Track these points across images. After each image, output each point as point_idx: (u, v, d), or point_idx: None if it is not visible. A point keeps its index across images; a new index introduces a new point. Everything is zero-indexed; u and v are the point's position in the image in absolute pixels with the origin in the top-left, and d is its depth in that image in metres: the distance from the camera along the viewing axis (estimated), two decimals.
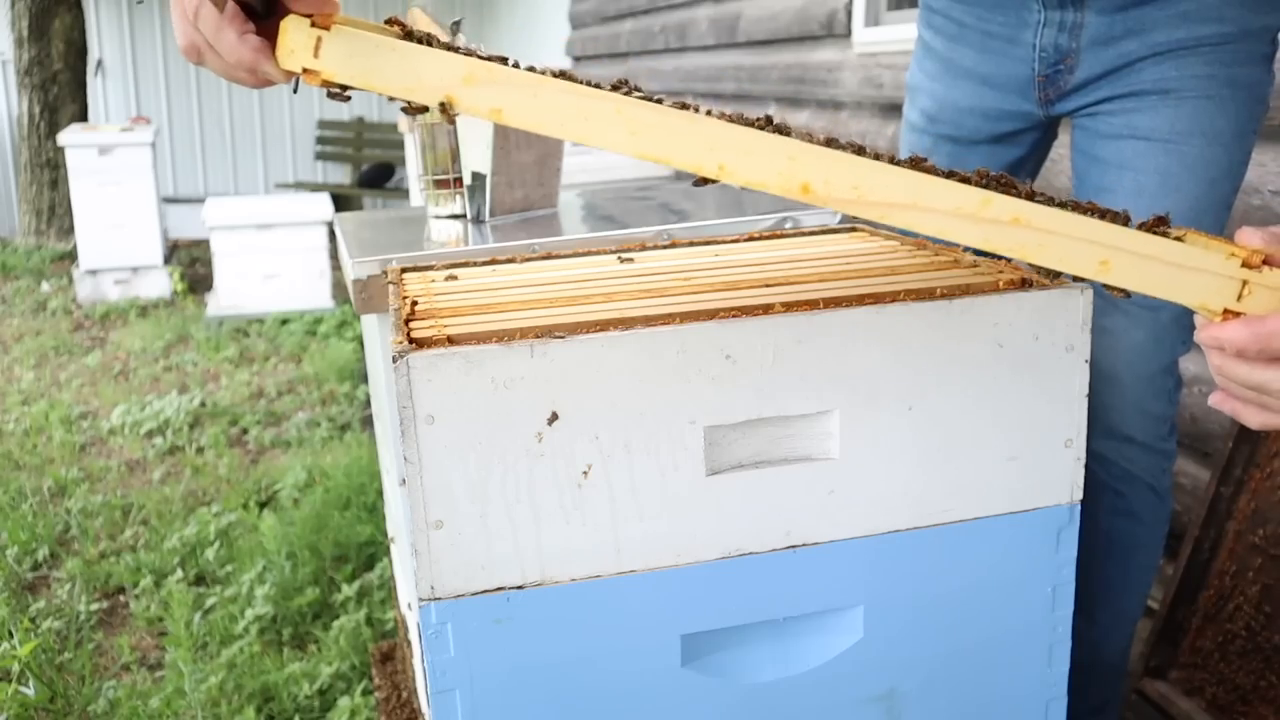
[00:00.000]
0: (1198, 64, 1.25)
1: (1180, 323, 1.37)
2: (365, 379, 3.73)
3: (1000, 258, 1.23)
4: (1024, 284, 1.02)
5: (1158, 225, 0.92)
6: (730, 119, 0.91)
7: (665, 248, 1.29)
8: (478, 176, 1.52)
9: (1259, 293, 0.66)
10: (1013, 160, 1.47)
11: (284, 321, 5.08)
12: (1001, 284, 1.02)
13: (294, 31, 0.71)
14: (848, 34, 3.62)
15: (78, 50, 7.36)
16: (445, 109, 0.72)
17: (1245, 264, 0.66)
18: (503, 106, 0.69)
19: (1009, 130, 1.44)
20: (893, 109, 3.35)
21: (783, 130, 0.94)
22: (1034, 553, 1.05)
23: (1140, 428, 1.41)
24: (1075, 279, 0.90)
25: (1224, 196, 1.31)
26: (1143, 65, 1.28)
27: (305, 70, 0.71)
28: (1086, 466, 1.06)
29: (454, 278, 1.13)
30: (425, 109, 0.75)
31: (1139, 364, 1.37)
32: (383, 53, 0.70)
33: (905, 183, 0.68)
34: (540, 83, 0.69)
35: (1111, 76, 1.30)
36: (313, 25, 0.70)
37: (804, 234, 1.35)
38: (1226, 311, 0.67)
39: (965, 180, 0.92)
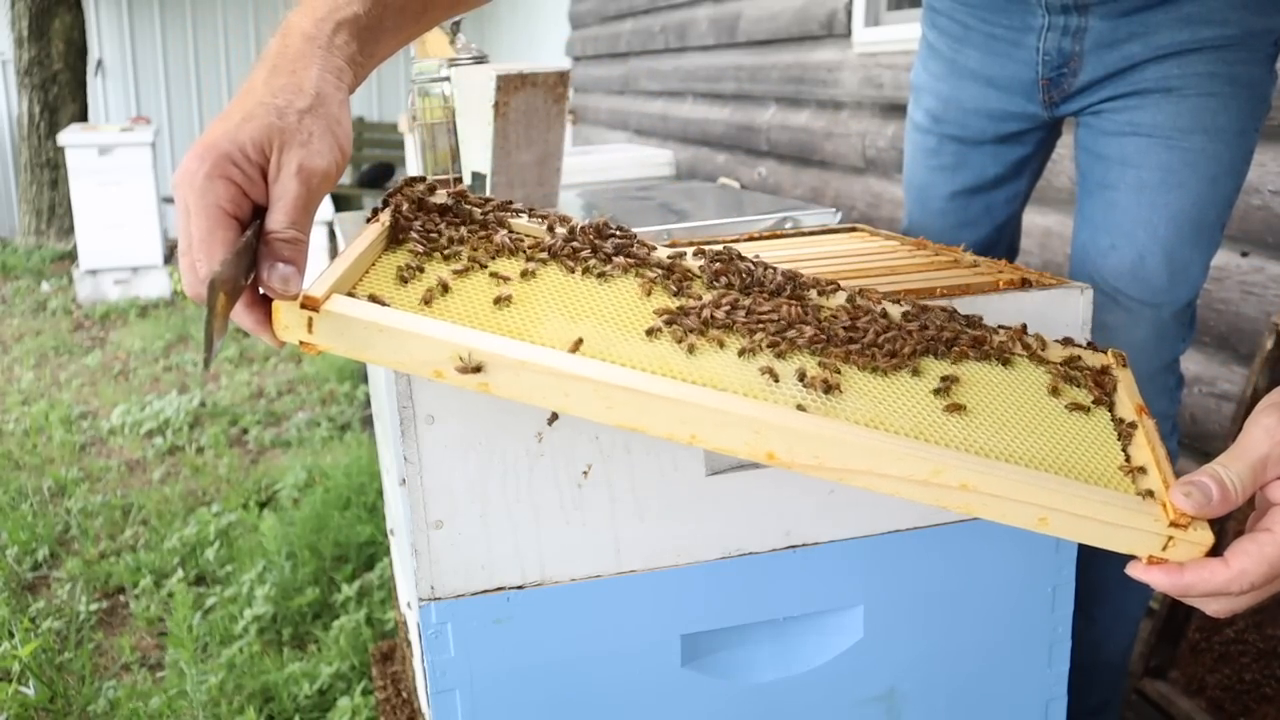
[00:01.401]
0: (1200, 63, 1.25)
1: (1181, 320, 1.36)
2: (365, 379, 3.73)
3: (1000, 257, 1.24)
4: (1024, 283, 1.02)
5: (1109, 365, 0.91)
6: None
7: (665, 248, 1.28)
8: (478, 176, 1.52)
9: (1181, 545, 0.74)
10: (1017, 159, 1.47)
11: None
12: (1001, 283, 1.01)
13: (285, 312, 0.73)
14: (848, 34, 3.62)
15: (78, 50, 7.37)
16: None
17: (1173, 523, 0.73)
18: (489, 382, 0.73)
19: (1014, 130, 1.44)
20: (893, 109, 3.35)
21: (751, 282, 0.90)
22: (1034, 553, 1.05)
23: None
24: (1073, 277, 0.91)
25: (1226, 194, 1.31)
26: (1146, 65, 1.28)
27: (302, 343, 0.74)
28: None
29: None
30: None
31: (1141, 361, 1.37)
32: (371, 334, 0.73)
33: (862, 453, 0.73)
34: (521, 365, 0.73)
35: (1115, 78, 1.30)
36: (302, 306, 0.72)
37: (804, 234, 1.35)
38: (1151, 557, 0.75)
39: (932, 338, 0.87)
